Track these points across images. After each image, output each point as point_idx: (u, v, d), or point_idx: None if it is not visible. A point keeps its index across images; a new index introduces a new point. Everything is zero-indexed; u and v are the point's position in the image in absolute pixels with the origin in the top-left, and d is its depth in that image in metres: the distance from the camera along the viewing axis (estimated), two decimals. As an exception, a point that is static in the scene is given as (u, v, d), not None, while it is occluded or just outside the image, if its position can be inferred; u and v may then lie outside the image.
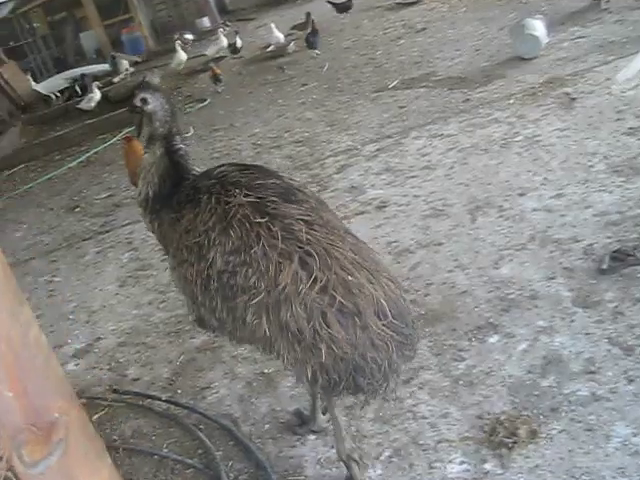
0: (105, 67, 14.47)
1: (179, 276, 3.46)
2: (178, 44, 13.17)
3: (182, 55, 13.14)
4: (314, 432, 3.91)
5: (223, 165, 3.52)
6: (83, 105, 12.71)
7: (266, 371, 4.47)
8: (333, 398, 3.35)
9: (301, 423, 3.97)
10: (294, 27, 12.88)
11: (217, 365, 4.71)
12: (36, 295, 6.63)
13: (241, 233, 3.11)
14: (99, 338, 5.56)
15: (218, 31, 13.55)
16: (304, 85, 10.34)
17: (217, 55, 13.49)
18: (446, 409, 3.73)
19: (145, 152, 3.70)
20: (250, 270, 3.06)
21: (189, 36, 14.88)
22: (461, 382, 3.88)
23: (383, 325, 2.98)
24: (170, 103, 3.68)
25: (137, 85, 3.77)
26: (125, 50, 15.88)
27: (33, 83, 14.37)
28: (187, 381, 4.67)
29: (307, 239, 3.06)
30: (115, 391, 4.78)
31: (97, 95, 12.65)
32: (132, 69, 14.79)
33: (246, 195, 3.20)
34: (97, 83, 13.05)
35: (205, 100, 11.32)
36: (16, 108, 14.30)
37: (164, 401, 4.52)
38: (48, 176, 10.38)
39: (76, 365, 5.28)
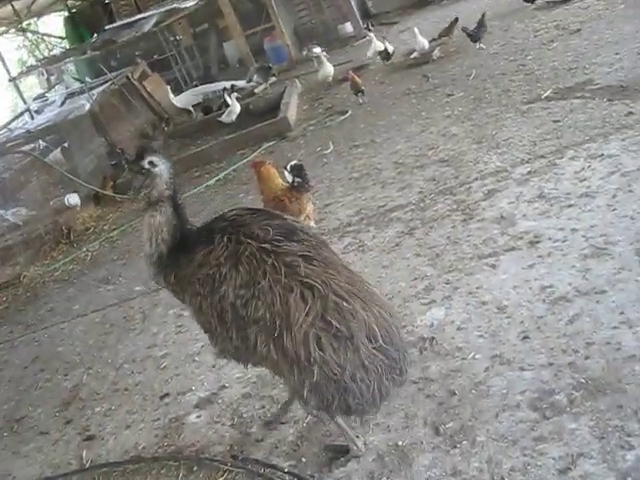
0: (241, 83, 14.22)
1: (195, 309, 3.92)
2: (324, 56, 12.70)
3: (329, 67, 12.65)
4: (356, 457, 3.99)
5: (235, 209, 3.99)
6: (224, 118, 12.53)
7: (400, 443, 3.95)
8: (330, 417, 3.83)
9: (271, 427, 4.46)
10: (439, 35, 12.22)
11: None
12: (165, 330, 6.41)
13: (249, 269, 3.59)
14: (224, 387, 5.19)
15: (370, 34, 12.98)
16: (449, 95, 9.69)
17: (369, 60, 12.96)
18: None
19: (152, 215, 4.01)
20: (259, 302, 3.54)
21: (317, 49, 14.44)
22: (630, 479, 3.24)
23: (373, 348, 3.42)
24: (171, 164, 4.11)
25: (140, 150, 4.13)
26: (268, 59, 15.69)
27: (171, 96, 14.34)
28: (313, 447, 4.22)
29: (306, 273, 3.53)
30: (234, 457, 4.38)
31: (237, 108, 12.43)
32: (274, 79, 14.53)
33: (254, 236, 3.67)
34: (237, 95, 12.82)
35: (346, 112, 10.84)
36: (159, 121, 14.33)
37: (286, 473, 4.09)
38: (186, 195, 10.17)
39: (198, 417, 4.94)
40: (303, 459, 4.16)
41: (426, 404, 4.17)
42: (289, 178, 6.81)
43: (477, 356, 4.40)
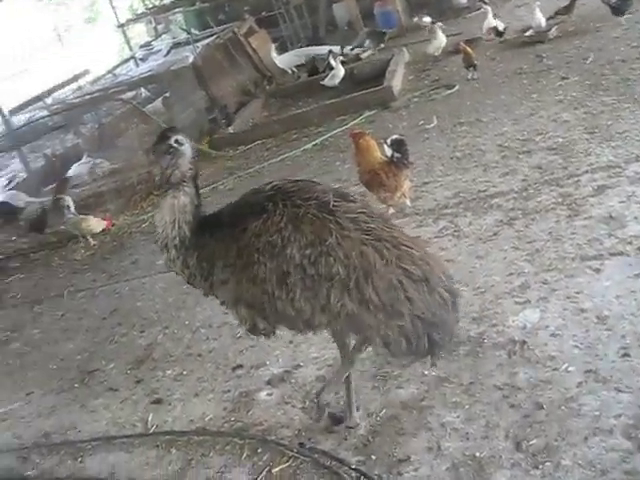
0: (336, 49, 13.82)
1: (243, 283, 3.81)
2: (438, 27, 12.18)
3: (441, 39, 12.13)
4: (350, 428, 4.17)
5: (273, 182, 3.96)
6: (327, 82, 12.21)
7: (477, 454, 3.70)
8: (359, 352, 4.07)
9: (337, 422, 4.28)
10: (557, 12, 11.55)
11: (422, 432, 4.00)
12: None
13: (313, 228, 3.62)
14: (298, 365, 5.01)
15: (486, 7, 12.38)
16: (563, 79, 9.14)
17: (483, 35, 12.38)
18: None
19: (174, 196, 3.94)
20: (330, 259, 3.56)
21: (427, 19, 13.88)
22: None
23: (443, 288, 3.66)
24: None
25: (164, 131, 4.10)
26: (377, 24, 15.24)
27: (274, 54, 14.07)
28: (384, 445, 4.00)
29: (370, 227, 3.66)
30: (301, 445, 4.19)
31: (341, 72, 12.10)
32: (382, 45, 14.10)
33: (311, 198, 3.72)
34: (341, 58, 12.49)
35: (453, 86, 10.39)
36: (262, 79, 14.13)
37: (353, 469, 3.87)
38: (281, 157, 10.00)
39: (269, 395, 4.79)
40: (373, 456, 3.95)
41: (510, 415, 3.90)
42: (388, 152, 6.61)
43: (570, 368, 4.09)
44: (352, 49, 14.00)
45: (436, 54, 12.13)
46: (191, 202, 3.98)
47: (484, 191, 6.67)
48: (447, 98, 10.16)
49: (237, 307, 3.95)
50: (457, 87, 10.32)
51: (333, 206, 3.69)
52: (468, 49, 10.59)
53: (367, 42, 13.80)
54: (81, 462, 4.83)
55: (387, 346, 3.66)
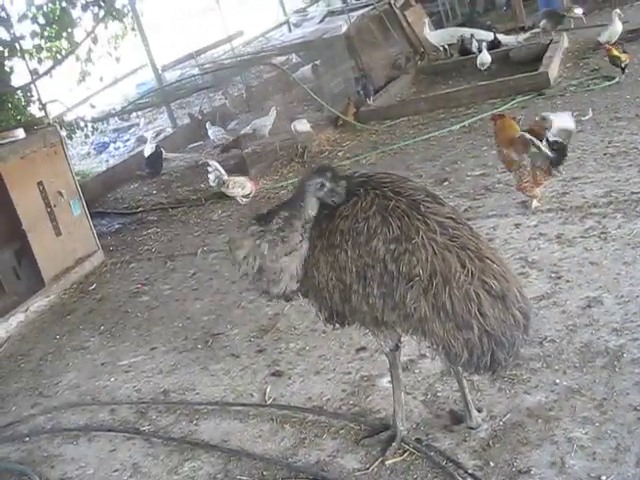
0: (489, 36, 13.32)
1: (317, 263, 3.76)
2: (616, 14, 11.45)
3: (618, 27, 11.39)
4: (470, 428, 4.01)
5: (361, 172, 3.94)
6: (479, 63, 11.87)
7: (604, 478, 3.44)
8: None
9: (457, 421, 4.13)
10: None
11: (546, 444, 3.77)
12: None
13: (401, 224, 3.51)
14: (424, 356, 4.82)
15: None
16: None
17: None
18: None
19: (300, 241, 3.84)
20: (413, 258, 3.45)
21: (578, 10, 13.16)
22: None
23: (518, 308, 3.50)
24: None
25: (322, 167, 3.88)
26: (539, 5, 14.63)
27: (427, 30, 13.73)
28: (504, 452, 3.80)
29: (456, 234, 3.54)
30: (419, 440, 4.04)
31: (486, 59, 11.71)
32: (559, 27, 13.52)
33: (402, 194, 3.62)
34: (485, 44, 12.08)
35: (613, 78, 9.85)
36: (414, 54, 13.87)
37: (469, 474, 3.69)
38: (427, 136, 9.77)
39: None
40: (491, 463, 3.75)
41: (645, 439, 3.62)
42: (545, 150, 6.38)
43: None
44: (525, 30, 13.49)
45: (608, 40, 11.34)
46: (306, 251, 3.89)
47: (638, 193, 6.25)
48: (605, 90, 9.65)
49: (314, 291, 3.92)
50: (617, 79, 9.78)
51: (425, 206, 3.58)
52: (614, 50, 9.85)
53: (543, 22, 13.17)
54: (195, 425, 4.84)
55: (447, 355, 3.55)
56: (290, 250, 3.84)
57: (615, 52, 9.72)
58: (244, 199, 9.26)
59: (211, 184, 9.39)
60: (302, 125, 10.51)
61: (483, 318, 3.42)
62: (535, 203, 6.56)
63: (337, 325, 3.98)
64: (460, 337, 3.44)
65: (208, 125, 12.33)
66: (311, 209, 3.82)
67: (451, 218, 3.62)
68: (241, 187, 9.21)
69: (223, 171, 9.27)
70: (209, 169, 9.30)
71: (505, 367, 3.63)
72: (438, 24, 15.28)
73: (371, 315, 3.67)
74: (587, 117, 8.58)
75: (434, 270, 3.44)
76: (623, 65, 9.68)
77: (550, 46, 11.76)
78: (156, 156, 11.87)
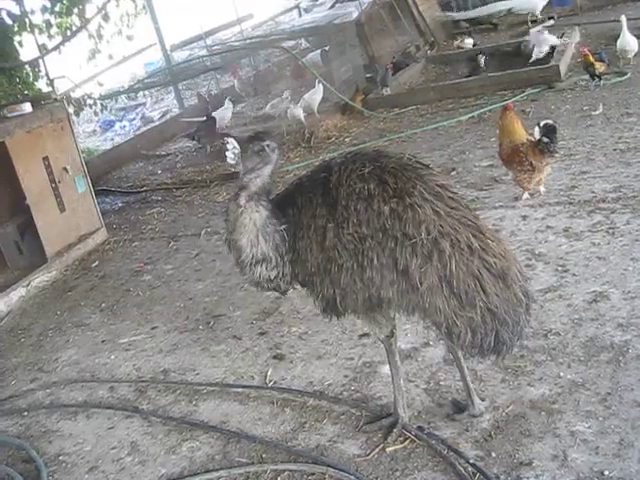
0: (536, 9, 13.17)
1: (314, 245, 3.60)
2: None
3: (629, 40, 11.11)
4: (473, 416, 3.96)
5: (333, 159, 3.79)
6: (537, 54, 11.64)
7: (607, 473, 3.42)
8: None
9: (459, 410, 4.07)
10: None
11: (548, 437, 3.74)
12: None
13: (396, 181, 3.45)
14: (427, 344, 4.82)
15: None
16: None
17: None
18: None
19: (254, 211, 3.71)
20: (417, 215, 3.36)
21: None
22: None
23: (520, 287, 3.48)
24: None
25: (260, 132, 3.88)
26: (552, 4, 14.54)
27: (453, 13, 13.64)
28: (507, 444, 3.77)
29: (454, 206, 3.49)
30: (420, 428, 4.01)
31: (545, 48, 11.46)
32: (551, 22, 13.49)
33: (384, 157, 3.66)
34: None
35: (625, 74, 9.78)
36: (424, 43, 13.80)
37: (471, 464, 3.66)
38: (435, 125, 9.72)
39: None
40: (492, 453, 3.73)
41: (649, 436, 3.59)
42: (537, 135, 6.49)
43: None
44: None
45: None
46: (268, 216, 3.74)
47: (647, 189, 6.23)
48: (617, 85, 9.61)
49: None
50: (629, 75, 9.74)
51: (414, 168, 3.58)
52: (590, 57, 9.59)
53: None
54: (195, 405, 4.82)
55: (450, 336, 3.47)
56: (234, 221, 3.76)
57: (590, 59, 9.56)
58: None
59: (229, 162, 9.37)
60: (297, 111, 10.59)
61: (486, 296, 3.38)
62: (526, 195, 6.65)
63: (333, 316, 3.82)
64: (464, 315, 3.38)
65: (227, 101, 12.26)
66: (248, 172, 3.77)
67: (445, 187, 3.58)
68: None
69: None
70: (228, 146, 9.27)
71: (510, 348, 3.58)
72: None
73: (365, 295, 3.52)
74: (597, 112, 8.55)
75: (440, 232, 3.38)
76: (597, 73, 9.55)
77: (562, 40, 11.68)
78: (210, 124, 11.60)
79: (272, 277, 3.87)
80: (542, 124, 6.48)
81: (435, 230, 3.36)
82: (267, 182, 3.78)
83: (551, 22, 13.66)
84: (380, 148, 3.77)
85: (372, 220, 3.43)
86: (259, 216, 3.72)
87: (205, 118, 11.67)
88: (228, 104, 12.13)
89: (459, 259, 3.36)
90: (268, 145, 3.73)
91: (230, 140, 9.38)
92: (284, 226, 3.75)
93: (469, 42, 13.42)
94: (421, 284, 3.36)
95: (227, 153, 9.29)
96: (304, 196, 3.72)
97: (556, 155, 6.47)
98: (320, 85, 11.23)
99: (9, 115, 7.98)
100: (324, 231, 3.56)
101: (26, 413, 5.21)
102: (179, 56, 16.12)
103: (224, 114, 11.98)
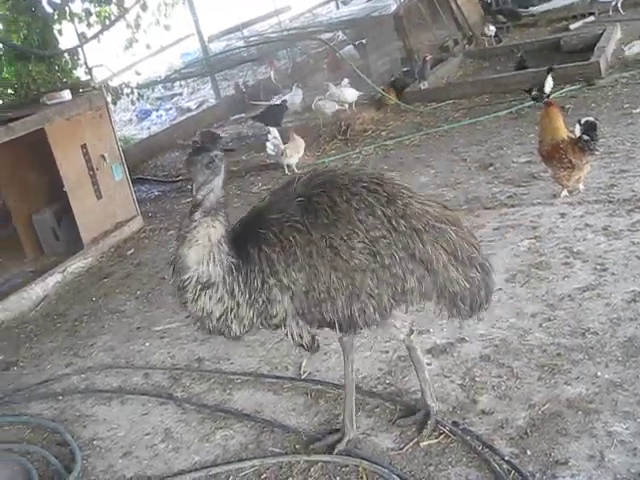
0: None
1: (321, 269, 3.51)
2: None
3: None
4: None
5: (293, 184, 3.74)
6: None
7: (648, 475, 3.37)
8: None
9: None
10: None
11: (585, 436, 3.70)
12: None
13: (385, 189, 3.65)
14: (463, 339, 4.79)
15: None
16: None
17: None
18: None
19: (210, 226, 3.48)
20: (416, 211, 3.67)
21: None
22: None
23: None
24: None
25: (211, 136, 3.56)
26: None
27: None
28: (543, 442, 3.74)
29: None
30: (455, 424, 3.99)
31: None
32: (592, 18, 13.36)
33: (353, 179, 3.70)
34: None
35: None
36: (462, 37, 13.70)
37: (506, 461, 3.64)
38: (473, 120, 9.65)
39: (428, 364, 4.53)
40: (528, 451, 3.70)
41: (691, 439, 3.54)
42: (577, 132, 6.42)
43: None
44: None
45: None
46: (227, 231, 3.55)
47: (688, 189, 6.14)
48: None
49: (296, 319, 3.68)
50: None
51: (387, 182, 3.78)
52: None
53: None
54: (229, 394, 4.84)
55: (464, 300, 3.78)
56: (185, 234, 3.51)
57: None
58: (288, 170, 9.26)
59: (269, 152, 9.39)
60: (330, 105, 10.63)
61: (478, 253, 3.82)
62: (564, 193, 6.58)
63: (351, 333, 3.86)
64: (471, 275, 3.74)
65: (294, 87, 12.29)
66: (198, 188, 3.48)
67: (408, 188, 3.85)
68: (297, 152, 9.29)
69: (280, 140, 9.27)
70: (268, 137, 9.29)
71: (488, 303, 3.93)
72: (485, 9, 15.08)
73: (389, 293, 3.57)
74: (638, 110, 8.44)
75: (434, 218, 3.69)
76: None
77: (603, 36, 11.53)
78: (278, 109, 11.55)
79: (218, 314, 3.62)
80: (583, 121, 6.43)
81: (432, 218, 3.67)
82: (220, 195, 3.54)
83: (591, 18, 13.54)
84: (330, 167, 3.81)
85: (380, 223, 3.57)
86: (214, 231, 3.51)
87: (277, 102, 11.69)
88: (296, 90, 12.07)
89: (454, 233, 3.69)
90: (216, 155, 3.47)
91: (272, 130, 9.37)
92: (235, 260, 3.57)
93: (492, 30, 13.30)
94: (437, 265, 3.64)
95: (267, 144, 9.31)
96: (280, 229, 3.57)
97: (596, 153, 6.42)
98: (295, 86, 11.32)
99: (49, 102, 8.05)
100: (332, 249, 3.51)
101: (61, 397, 5.27)
102: (216, 47, 16.15)
103: (294, 99, 11.95)
